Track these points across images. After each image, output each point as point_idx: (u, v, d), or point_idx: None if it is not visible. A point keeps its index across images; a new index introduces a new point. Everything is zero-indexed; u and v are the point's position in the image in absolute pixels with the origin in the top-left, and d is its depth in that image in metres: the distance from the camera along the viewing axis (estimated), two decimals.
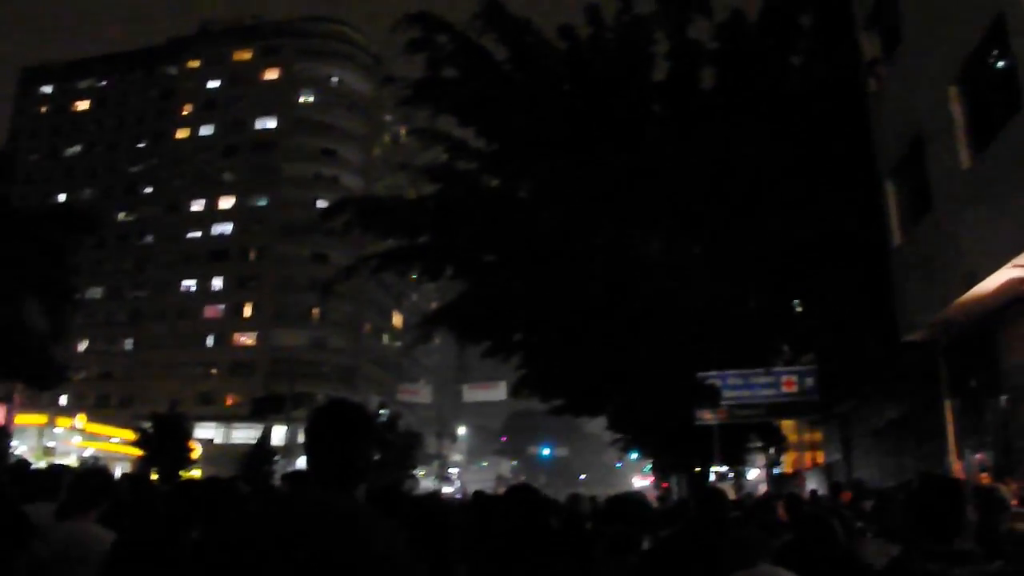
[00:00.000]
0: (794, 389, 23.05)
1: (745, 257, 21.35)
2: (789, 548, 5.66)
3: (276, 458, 54.29)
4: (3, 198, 35.43)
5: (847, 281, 20.88)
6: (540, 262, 22.03)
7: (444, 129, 25.23)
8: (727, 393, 22.80)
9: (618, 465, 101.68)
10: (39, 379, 37.23)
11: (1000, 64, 13.56)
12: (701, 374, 22.90)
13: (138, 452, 48.39)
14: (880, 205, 19.03)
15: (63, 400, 77.23)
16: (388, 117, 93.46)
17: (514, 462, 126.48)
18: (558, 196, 22.16)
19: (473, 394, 67.33)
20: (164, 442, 46.72)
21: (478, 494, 9.84)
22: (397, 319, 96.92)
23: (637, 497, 5.20)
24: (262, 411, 59.47)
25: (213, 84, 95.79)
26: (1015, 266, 12.98)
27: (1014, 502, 9.07)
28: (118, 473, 30.70)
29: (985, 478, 14.91)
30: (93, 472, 7.21)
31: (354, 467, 3.04)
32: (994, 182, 13.39)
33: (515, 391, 30.67)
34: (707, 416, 23.08)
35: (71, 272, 38.16)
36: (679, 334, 22.36)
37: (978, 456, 17.32)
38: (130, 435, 51.08)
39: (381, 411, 60.09)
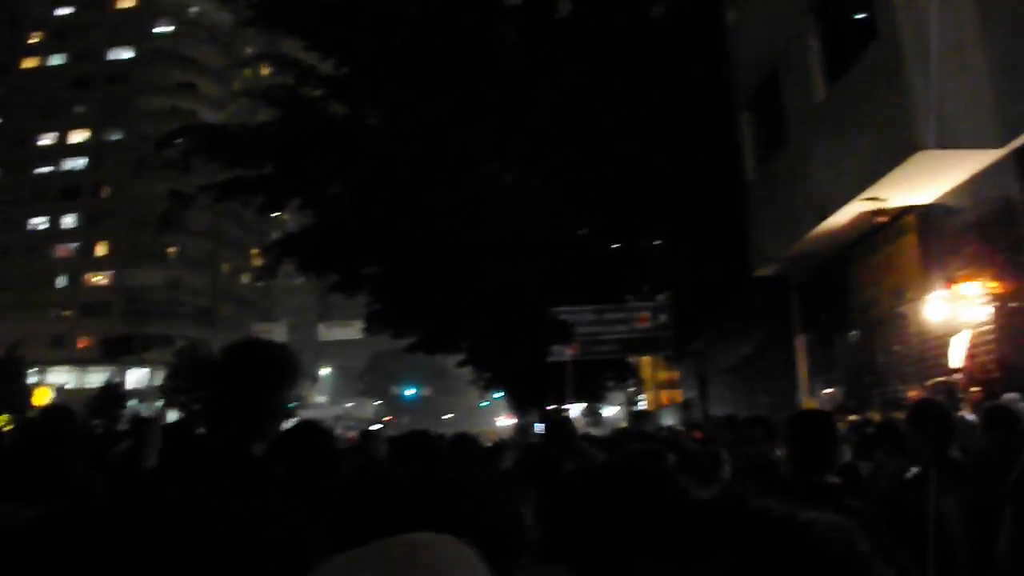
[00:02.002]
0: (647, 325, 23.05)
1: (600, 190, 21.07)
2: None
3: (130, 402, 52.77)
4: None
5: (703, 216, 20.79)
6: (389, 192, 21.38)
7: (295, 56, 24.36)
8: (580, 329, 22.62)
9: (484, 404, 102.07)
10: None
11: None
12: (554, 309, 22.66)
13: None
14: (736, 138, 18.91)
15: None
16: (249, 50, 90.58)
17: (378, 402, 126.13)
18: (407, 124, 21.49)
19: (330, 333, 66.56)
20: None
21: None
22: (256, 258, 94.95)
23: (427, 435, 4.71)
24: (113, 352, 57.60)
25: (63, 11, 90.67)
26: (865, 199, 12.92)
27: None
28: None
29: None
30: None
31: (257, 420, 2.66)
32: (846, 115, 13.39)
33: (367, 327, 30.07)
34: (560, 352, 22.87)
35: None
36: (532, 268, 22.03)
37: (828, 391, 17.47)
38: None
39: None
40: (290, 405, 2.81)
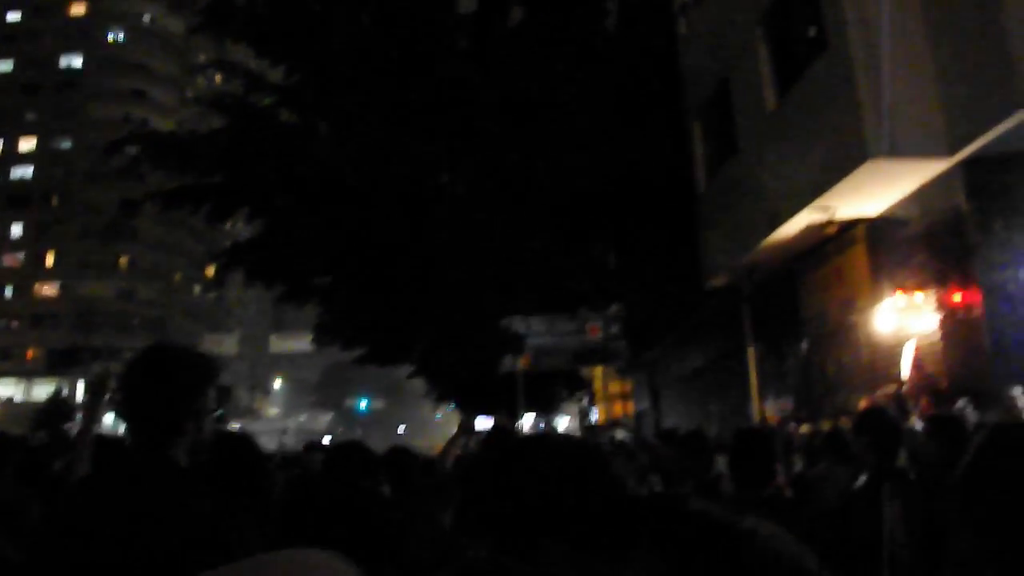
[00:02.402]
0: (599, 335, 22.89)
1: (552, 200, 21.01)
2: None
3: (79, 415, 51.97)
4: None
5: (655, 227, 20.79)
6: (339, 201, 21.20)
7: (246, 64, 24.19)
8: (531, 340, 22.44)
9: (438, 416, 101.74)
10: None
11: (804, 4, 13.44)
12: (505, 320, 22.50)
13: None
14: (688, 149, 18.94)
15: None
16: (202, 57, 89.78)
17: (331, 415, 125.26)
18: (358, 132, 21.33)
19: (281, 344, 66.14)
20: None
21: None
22: (209, 269, 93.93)
23: (359, 447, 4.61)
24: (60, 364, 56.64)
25: (13, 16, 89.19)
26: (815, 208, 12.95)
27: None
28: None
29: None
30: None
31: (172, 420, 2.67)
32: (797, 124, 13.44)
33: (316, 338, 29.75)
34: (511, 363, 22.68)
35: None
36: (483, 279, 21.92)
37: (779, 401, 17.50)
38: None
39: None
40: (217, 413, 2.81)
